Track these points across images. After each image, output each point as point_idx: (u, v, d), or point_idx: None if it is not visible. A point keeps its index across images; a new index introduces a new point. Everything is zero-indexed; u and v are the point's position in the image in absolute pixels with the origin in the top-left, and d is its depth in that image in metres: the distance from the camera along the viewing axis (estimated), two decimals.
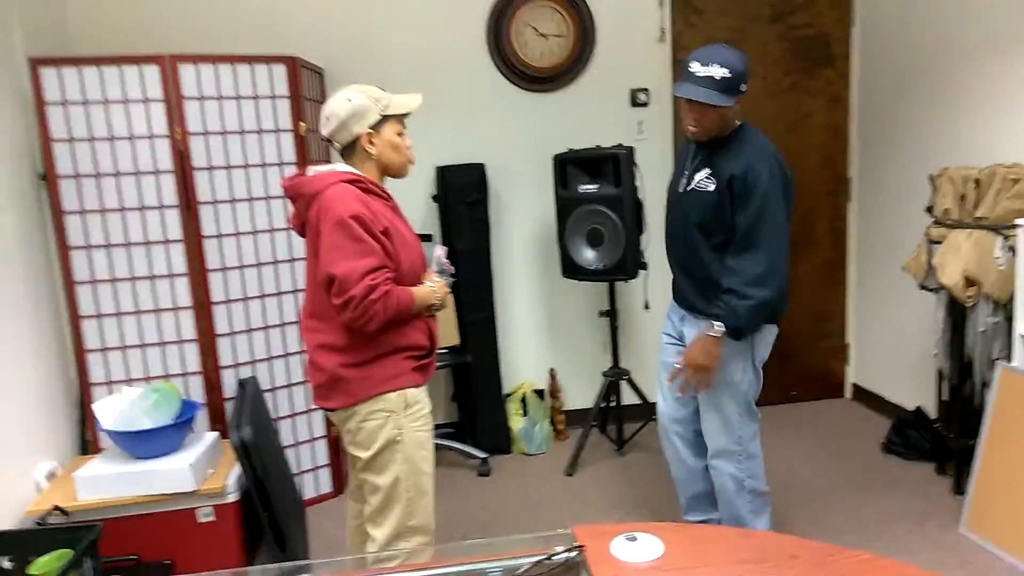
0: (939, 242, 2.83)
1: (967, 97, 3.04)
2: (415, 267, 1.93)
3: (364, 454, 1.91)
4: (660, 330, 2.54)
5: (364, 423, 1.89)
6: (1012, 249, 2.56)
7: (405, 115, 1.95)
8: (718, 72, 2.06)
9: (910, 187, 3.39)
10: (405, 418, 1.90)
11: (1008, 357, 2.59)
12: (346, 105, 1.87)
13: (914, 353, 3.49)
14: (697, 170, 2.24)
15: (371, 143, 1.90)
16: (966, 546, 2.55)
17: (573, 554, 1.35)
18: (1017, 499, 2.43)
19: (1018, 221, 2.47)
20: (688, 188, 2.25)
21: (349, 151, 1.93)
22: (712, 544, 1.38)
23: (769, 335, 2.30)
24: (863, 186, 3.83)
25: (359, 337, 1.84)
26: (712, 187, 2.17)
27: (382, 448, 1.89)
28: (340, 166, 1.92)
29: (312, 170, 1.92)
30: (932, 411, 3.22)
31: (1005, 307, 2.65)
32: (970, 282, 2.69)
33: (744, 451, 2.33)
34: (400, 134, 1.94)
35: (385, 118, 1.90)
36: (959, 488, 2.87)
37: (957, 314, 2.83)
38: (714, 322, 2.16)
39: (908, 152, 3.43)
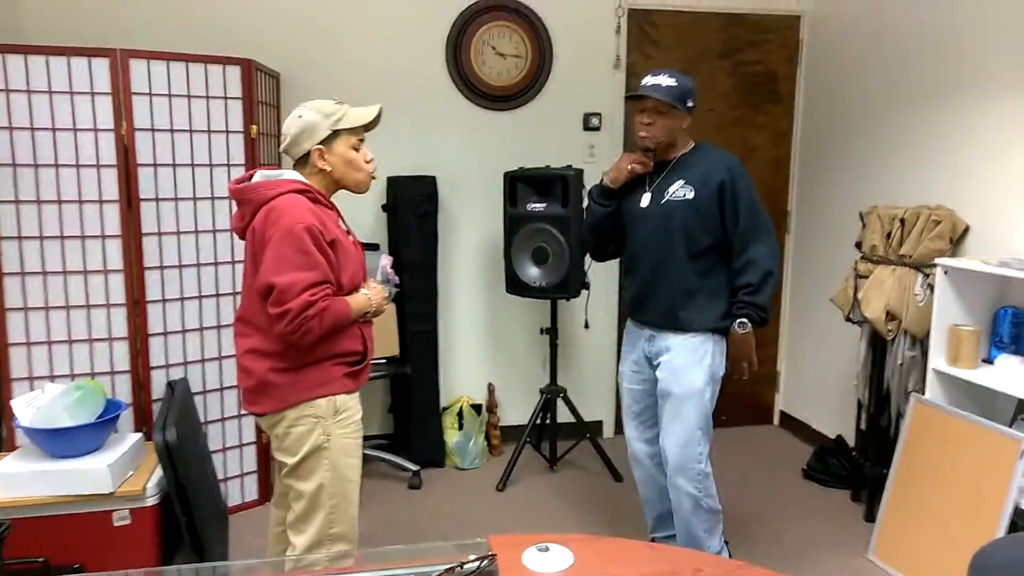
0: (866, 276, 2.96)
1: (899, 139, 3.20)
2: (355, 278, 1.93)
3: (290, 460, 1.90)
4: (622, 361, 2.58)
5: (292, 428, 1.88)
6: (931, 287, 2.69)
7: (363, 128, 1.94)
8: (665, 81, 2.29)
9: (843, 222, 3.54)
10: (334, 424, 1.89)
11: (922, 390, 2.71)
12: (296, 122, 1.89)
13: (838, 383, 3.62)
14: (667, 184, 2.35)
15: (323, 158, 1.90)
16: (873, 573, 2.65)
17: (484, 563, 1.37)
18: (922, 528, 2.53)
19: (938, 260, 2.60)
20: (663, 201, 2.34)
21: (302, 164, 1.93)
22: (621, 556, 1.42)
23: (723, 347, 2.41)
24: (800, 220, 3.98)
25: (291, 345, 1.83)
26: (691, 195, 2.30)
27: (308, 454, 1.88)
28: (289, 173, 1.91)
29: (261, 175, 1.92)
30: (852, 440, 3.34)
31: (922, 342, 2.78)
32: (891, 316, 2.81)
33: (702, 469, 2.40)
34: (357, 148, 1.93)
35: (337, 133, 1.89)
36: (871, 515, 2.97)
37: (878, 347, 2.95)
38: (739, 321, 2.32)
39: (843, 189, 3.59)
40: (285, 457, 1.92)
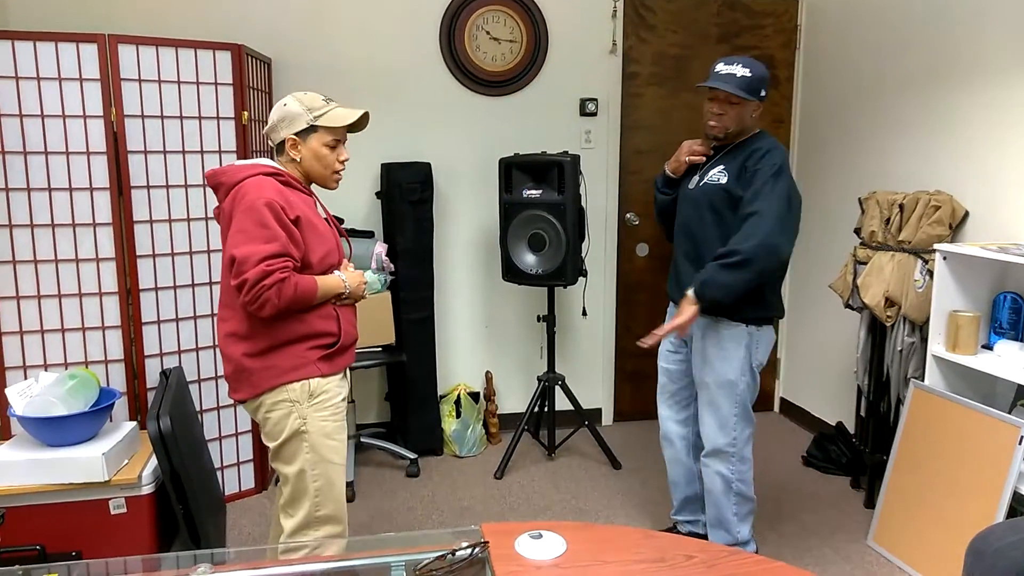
0: (864, 263, 2.94)
1: (898, 125, 3.17)
2: (329, 258, 1.94)
3: (272, 444, 1.93)
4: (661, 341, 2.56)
5: (269, 414, 1.90)
6: (930, 273, 2.67)
7: (344, 129, 1.94)
8: (739, 71, 2.25)
9: (842, 208, 3.51)
10: (309, 408, 1.90)
11: (922, 376, 2.69)
12: (280, 109, 1.93)
13: (838, 370, 3.60)
14: (711, 168, 2.37)
15: (295, 148, 1.93)
16: (872, 559, 2.64)
17: (477, 550, 1.36)
18: (921, 514, 2.52)
19: (937, 246, 2.58)
20: (700, 184, 2.37)
21: (279, 151, 1.98)
22: (614, 543, 1.41)
23: (767, 337, 2.39)
24: None
25: (261, 325, 1.86)
26: (725, 179, 2.30)
27: (288, 438, 1.90)
28: (263, 160, 1.95)
29: (237, 163, 1.95)
30: (851, 426, 3.32)
31: (921, 328, 2.76)
32: (890, 303, 2.79)
33: (737, 453, 2.40)
34: (332, 147, 1.94)
35: (314, 128, 1.91)
36: (871, 502, 2.97)
37: (877, 333, 2.93)
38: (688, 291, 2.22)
39: (841, 174, 3.56)
40: (268, 441, 1.95)
